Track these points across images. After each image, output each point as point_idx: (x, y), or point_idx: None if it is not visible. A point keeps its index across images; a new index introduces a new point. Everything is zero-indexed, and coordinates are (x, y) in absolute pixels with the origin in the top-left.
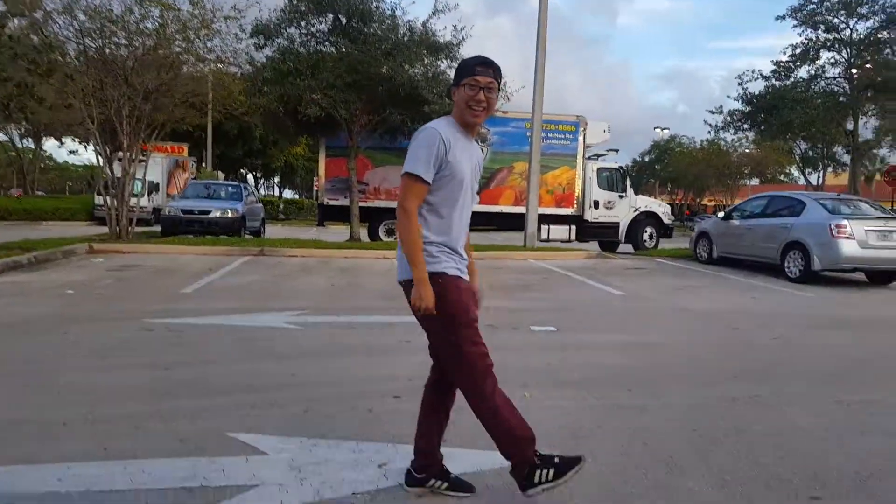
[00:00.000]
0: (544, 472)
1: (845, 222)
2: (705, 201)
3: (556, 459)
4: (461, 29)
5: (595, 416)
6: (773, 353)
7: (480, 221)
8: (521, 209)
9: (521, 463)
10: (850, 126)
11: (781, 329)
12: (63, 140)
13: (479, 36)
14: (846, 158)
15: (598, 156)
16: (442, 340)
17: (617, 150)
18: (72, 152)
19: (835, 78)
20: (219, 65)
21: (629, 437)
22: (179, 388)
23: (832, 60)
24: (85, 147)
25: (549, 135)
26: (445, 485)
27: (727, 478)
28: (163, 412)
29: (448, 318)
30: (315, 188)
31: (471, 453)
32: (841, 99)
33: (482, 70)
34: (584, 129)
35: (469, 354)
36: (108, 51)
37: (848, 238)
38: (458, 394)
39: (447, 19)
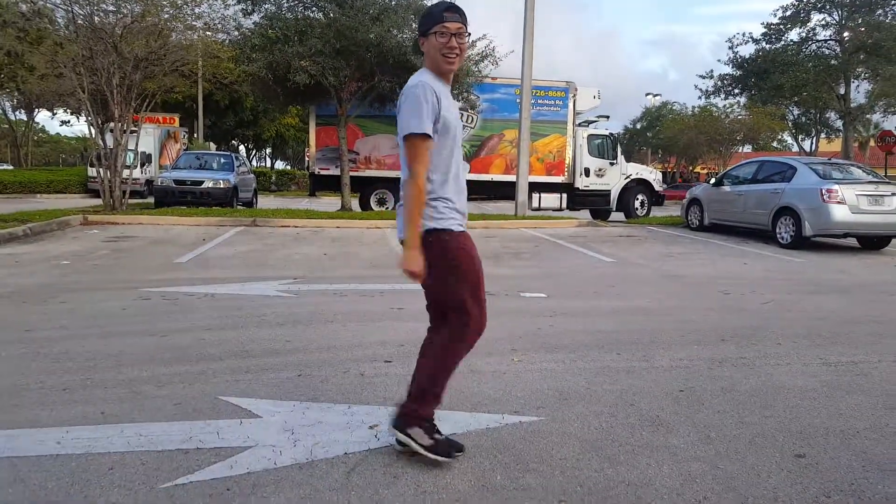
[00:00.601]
0: (424, 436)
1: (836, 187)
2: (698, 169)
3: (440, 436)
4: None
5: (583, 378)
6: (763, 318)
7: (471, 190)
8: (511, 178)
9: (414, 416)
10: (842, 90)
11: (771, 294)
12: (55, 111)
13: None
14: (839, 124)
15: (589, 122)
16: (446, 292)
17: (608, 117)
18: (63, 122)
19: (826, 41)
20: (207, 32)
21: (617, 397)
22: (175, 354)
23: (823, 22)
24: (77, 118)
25: (539, 101)
26: (430, 442)
27: (712, 435)
28: (159, 377)
29: (454, 270)
30: (306, 158)
31: (457, 414)
32: (832, 62)
33: (450, 16)
34: (574, 96)
35: (470, 309)
36: (96, 18)
37: (839, 203)
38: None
39: None
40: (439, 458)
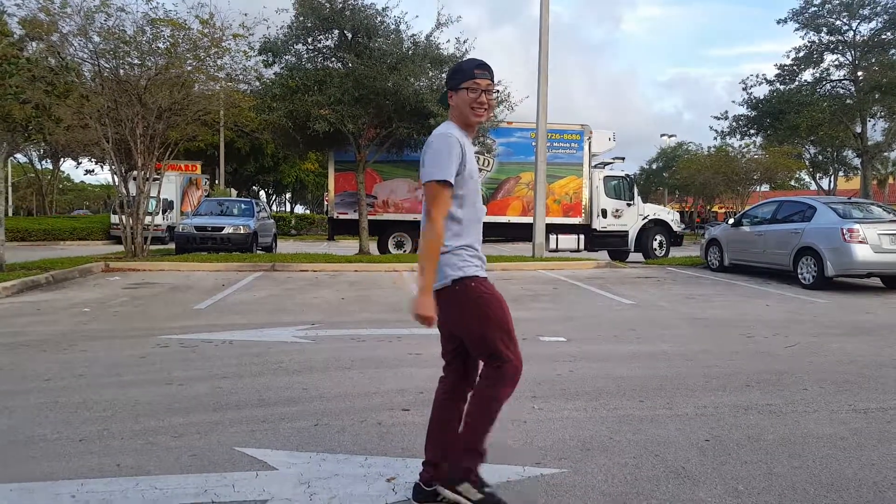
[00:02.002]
0: (473, 490)
1: (857, 226)
2: (715, 208)
3: (488, 490)
4: (465, 41)
5: (606, 427)
6: (788, 362)
7: (489, 233)
8: (528, 219)
9: (460, 471)
10: (858, 129)
11: (796, 337)
12: (80, 160)
13: (482, 48)
14: (857, 162)
15: (605, 164)
16: (480, 340)
17: (623, 159)
18: (88, 172)
19: (840, 80)
20: (229, 83)
21: (640, 448)
22: (192, 403)
23: (836, 63)
24: (101, 167)
25: (555, 144)
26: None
27: (740, 488)
28: (175, 427)
29: (485, 316)
30: (325, 203)
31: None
32: (847, 101)
33: (480, 73)
34: (590, 138)
35: (504, 352)
36: (121, 71)
37: (861, 242)
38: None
39: (450, 32)
40: None
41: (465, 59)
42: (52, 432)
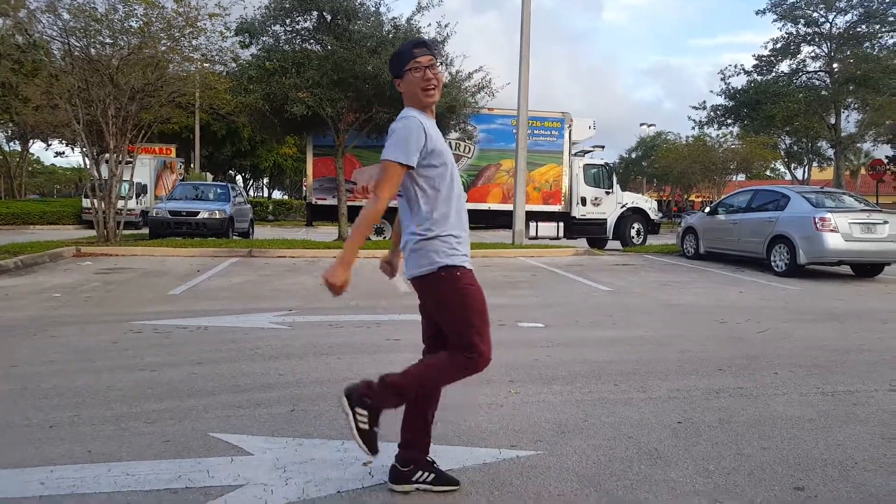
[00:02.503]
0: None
1: (829, 215)
2: (692, 197)
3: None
4: (446, 25)
5: (581, 410)
6: (759, 346)
7: (469, 220)
8: (508, 207)
9: (369, 397)
10: (832, 120)
11: (768, 322)
12: (50, 142)
13: (463, 33)
14: (831, 153)
15: (585, 152)
16: (456, 328)
17: (603, 147)
18: (58, 154)
19: (816, 72)
20: (205, 63)
21: (614, 430)
22: (165, 389)
23: (813, 54)
24: (72, 149)
25: (536, 131)
26: (432, 476)
27: (710, 467)
28: (148, 413)
29: (465, 307)
30: (304, 188)
31: (454, 449)
32: (822, 93)
33: (420, 51)
34: (570, 126)
35: (478, 345)
36: (93, 50)
37: (832, 231)
38: (444, 389)
39: (432, 16)
40: (364, 448)
41: (445, 42)
42: (21, 419)
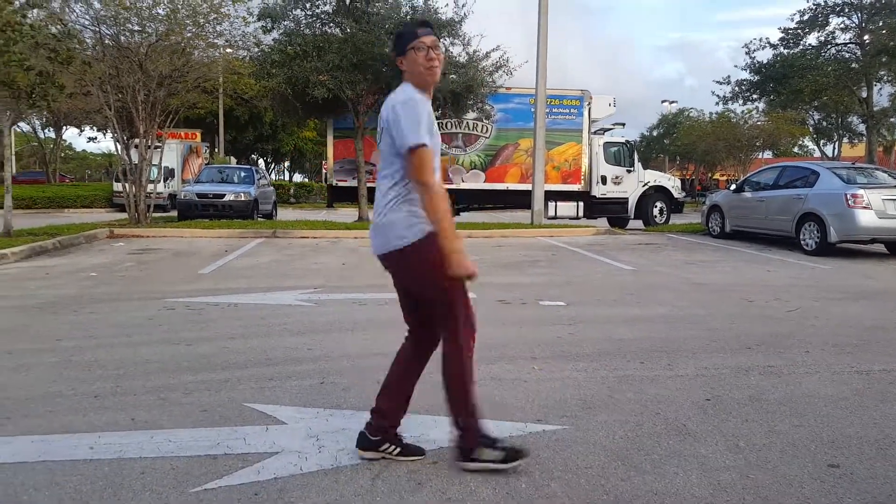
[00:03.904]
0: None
1: (861, 192)
2: (717, 175)
3: (503, 444)
4: (463, 5)
5: (607, 387)
6: (789, 325)
7: (487, 200)
8: (527, 186)
9: (470, 432)
10: (864, 94)
11: (797, 301)
12: (82, 128)
13: (481, 12)
14: (862, 128)
15: (605, 130)
16: (443, 294)
17: (623, 124)
18: (90, 139)
19: (846, 44)
20: (228, 49)
21: (641, 406)
22: (200, 362)
23: (842, 26)
24: (103, 134)
25: (554, 110)
26: (398, 450)
27: (741, 444)
28: (185, 385)
29: (447, 278)
30: (324, 171)
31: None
32: (853, 65)
33: (423, 31)
34: (589, 104)
35: (459, 312)
36: (122, 38)
37: (865, 208)
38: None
39: None
40: (517, 460)
41: (462, 22)
42: (68, 388)
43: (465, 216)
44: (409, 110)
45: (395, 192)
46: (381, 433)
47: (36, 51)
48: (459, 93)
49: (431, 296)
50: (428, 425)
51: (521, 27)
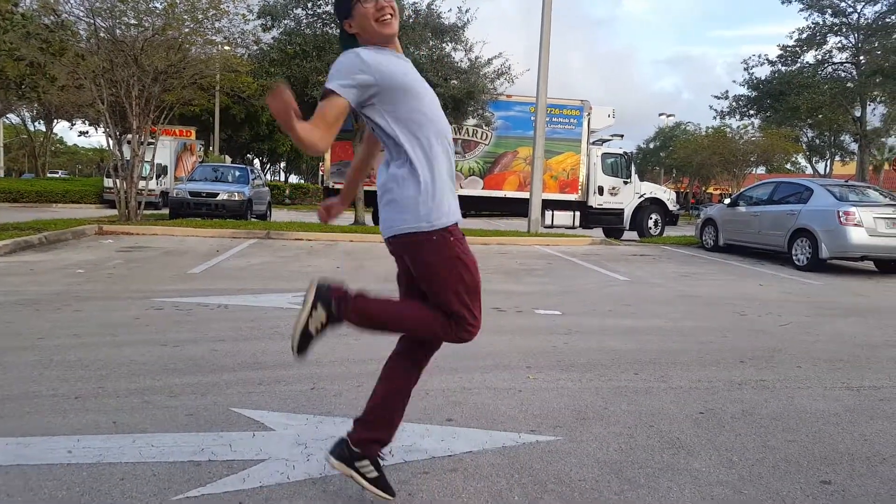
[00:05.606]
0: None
1: (853, 209)
2: (711, 189)
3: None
4: (466, 11)
5: (600, 397)
6: (782, 340)
7: (484, 207)
8: (525, 195)
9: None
10: (857, 113)
11: (789, 316)
12: (74, 122)
13: (483, 18)
14: (854, 147)
15: (602, 141)
16: (440, 290)
17: (622, 136)
18: (82, 134)
19: (842, 63)
20: (226, 46)
21: (635, 418)
22: (188, 364)
23: (839, 45)
24: (95, 129)
25: (554, 119)
26: (375, 475)
27: (734, 458)
28: (171, 387)
29: (454, 272)
30: (321, 172)
31: (473, 432)
32: (848, 84)
33: None
34: (589, 114)
35: (456, 310)
36: (118, 31)
37: (856, 225)
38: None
39: (451, 1)
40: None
41: (465, 28)
42: (48, 389)
43: (462, 223)
44: (337, 62)
45: (391, 172)
46: (364, 450)
47: (27, 41)
48: (460, 98)
49: (433, 287)
50: (420, 434)
51: (524, 36)
